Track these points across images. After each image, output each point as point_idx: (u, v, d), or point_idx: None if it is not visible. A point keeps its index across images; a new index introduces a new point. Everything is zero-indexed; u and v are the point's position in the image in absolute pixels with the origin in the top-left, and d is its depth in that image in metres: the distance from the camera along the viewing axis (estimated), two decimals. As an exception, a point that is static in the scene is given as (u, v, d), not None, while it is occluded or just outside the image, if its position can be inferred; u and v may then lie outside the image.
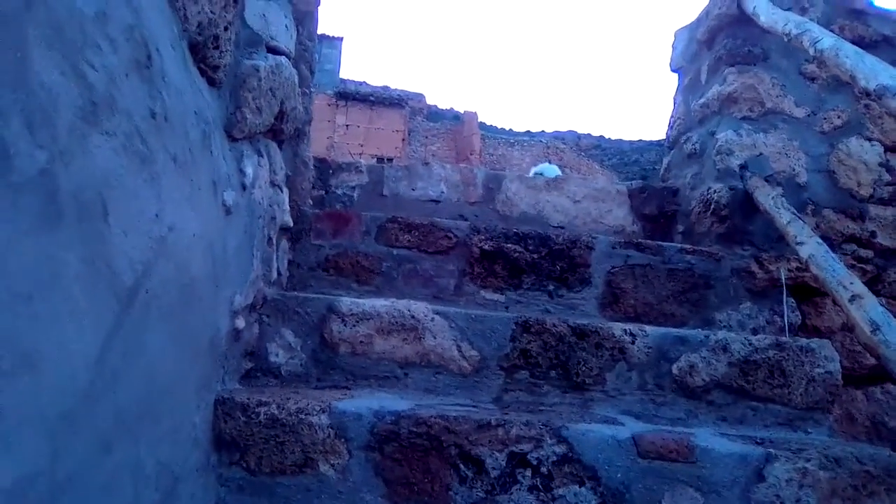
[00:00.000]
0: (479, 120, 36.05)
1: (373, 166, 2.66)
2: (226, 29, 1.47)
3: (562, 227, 2.64)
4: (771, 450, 1.54)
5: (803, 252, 1.89)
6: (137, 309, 1.06)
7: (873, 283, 2.33)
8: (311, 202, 2.41)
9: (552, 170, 4.19)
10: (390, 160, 28.98)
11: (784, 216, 2.03)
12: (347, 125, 29.39)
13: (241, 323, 1.69)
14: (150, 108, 1.09)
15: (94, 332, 0.94)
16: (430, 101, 41.62)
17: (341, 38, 29.94)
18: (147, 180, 1.09)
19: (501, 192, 2.67)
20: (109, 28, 0.96)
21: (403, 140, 30.47)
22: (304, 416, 1.54)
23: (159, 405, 1.20)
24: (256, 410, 1.55)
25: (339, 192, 2.61)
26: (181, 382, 1.34)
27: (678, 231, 2.62)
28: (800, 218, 2.03)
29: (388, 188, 2.64)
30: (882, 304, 2.26)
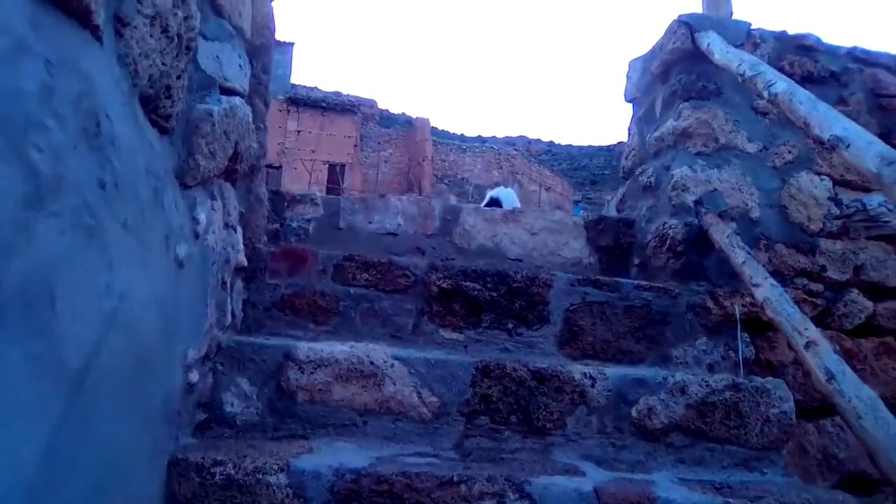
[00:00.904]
0: (431, 125, 36.07)
1: (328, 199, 2.62)
2: (178, 77, 1.42)
3: (519, 260, 2.63)
4: (730, 499, 1.55)
5: (759, 294, 1.92)
6: (87, 390, 1.02)
7: (823, 317, 2.38)
8: (266, 238, 2.36)
9: (508, 193, 4.19)
10: (342, 166, 28.85)
11: (739, 256, 2.06)
12: (299, 131, 29.12)
13: (194, 376, 1.64)
14: (99, 178, 1.04)
15: (42, 425, 0.89)
16: (382, 105, 41.52)
17: (292, 44, 29.66)
18: (97, 253, 1.04)
19: (459, 224, 2.65)
20: (56, 102, 0.91)
21: (356, 146, 30.33)
22: (261, 476, 1.50)
23: (112, 484, 1.15)
24: (212, 471, 1.50)
25: (295, 224, 2.56)
26: (134, 454, 1.29)
27: (634, 263, 2.64)
28: (754, 257, 2.05)
29: (345, 221, 2.60)
30: (832, 340, 2.32)
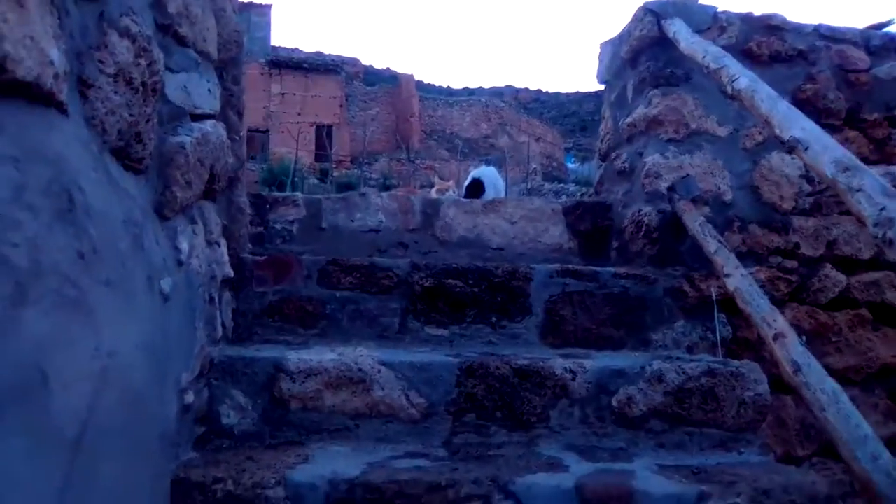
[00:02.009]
0: (416, 80, 35.76)
1: (310, 199, 2.66)
2: (147, 121, 1.46)
3: (501, 249, 2.69)
4: (704, 487, 1.64)
5: (730, 284, 1.99)
6: (85, 450, 1.08)
7: (798, 293, 2.46)
8: (251, 242, 2.41)
9: (490, 172, 4.22)
10: (329, 127, 28.65)
11: (711, 244, 2.12)
12: (283, 94, 28.84)
13: (189, 398, 1.71)
14: (77, 250, 1.09)
15: (45, 497, 0.96)
16: (365, 62, 41.06)
17: (270, 5, 29.17)
18: (82, 320, 1.10)
19: (440, 217, 2.70)
20: (28, 195, 0.96)
21: (341, 106, 30.09)
22: (260, 491, 1.58)
23: (115, 525, 1.23)
24: (213, 488, 1.58)
25: (278, 226, 2.62)
26: (136, 487, 1.36)
27: (613, 247, 2.70)
28: (725, 246, 2.12)
29: (327, 220, 2.65)
30: (807, 315, 2.40)
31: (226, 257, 2.11)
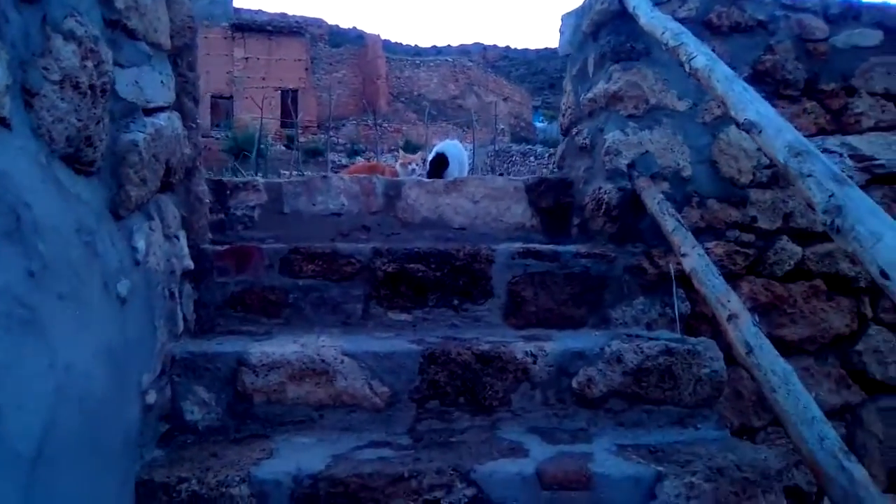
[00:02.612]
0: (383, 39, 35.27)
1: (270, 183, 2.63)
2: (98, 123, 1.44)
3: (463, 229, 2.69)
4: (661, 468, 1.68)
5: (686, 264, 2.01)
6: (44, 468, 1.09)
7: (755, 265, 2.49)
8: (212, 229, 2.39)
9: (454, 146, 4.19)
10: (294, 92, 28.22)
11: (669, 223, 2.14)
12: (247, 58, 28.31)
13: (151, 397, 1.71)
14: (26, 268, 1.08)
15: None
16: (331, 21, 40.33)
17: (230, -34, 28.44)
18: (35, 339, 1.09)
19: (402, 199, 2.69)
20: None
21: (307, 69, 29.64)
22: (224, 490, 1.59)
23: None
24: (177, 489, 1.59)
25: (239, 212, 2.59)
26: (100, 492, 1.37)
27: (575, 224, 2.71)
28: (683, 224, 2.14)
29: (289, 205, 2.63)
30: (764, 288, 2.44)
31: (185, 250, 2.09)
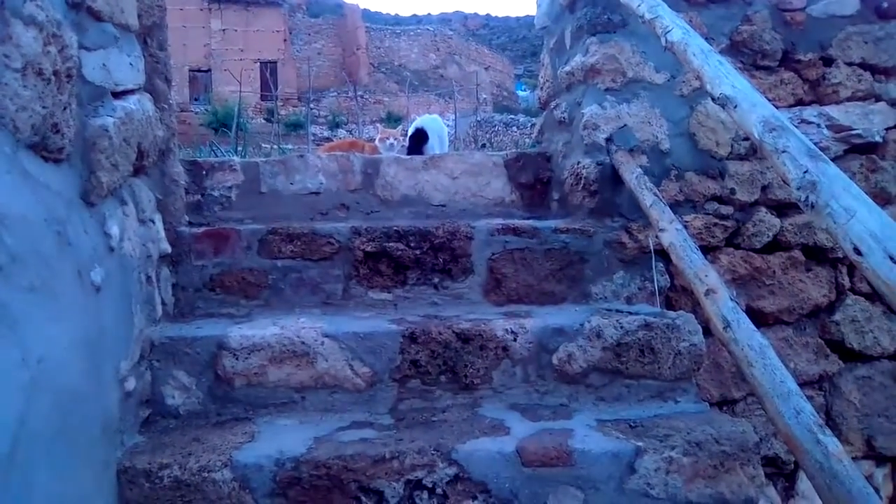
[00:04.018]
0: (362, 8, 34.84)
1: (247, 163, 2.60)
2: (64, 109, 1.41)
3: (443, 206, 2.69)
4: (640, 443, 1.70)
5: (664, 239, 2.02)
6: (20, 462, 1.08)
7: (734, 237, 2.50)
8: (189, 215, 2.37)
9: (433, 121, 4.16)
10: (273, 64, 27.88)
11: (647, 198, 2.14)
12: (224, 30, 27.89)
13: (130, 384, 1.70)
14: (-7, 263, 1.06)
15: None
16: (309, -10, 39.74)
17: (205, -65, 27.87)
18: (5, 332, 1.08)
19: (380, 176, 2.67)
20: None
21: (285, 41, 29.26)
22: (207, 475, 1.59)
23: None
24: (159, 475, 1.59)
25: (216, 193, 2.56)
26: (80, 482, 1.37)
27: (554, 198, 2.71)
28: (661, 199, 2.14)
29: (266, 184, 2.60)
30: (742, 260, 2.46)
31: (162, 233, 2.07)
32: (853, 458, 2.50)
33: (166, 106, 2.18)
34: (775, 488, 2.52)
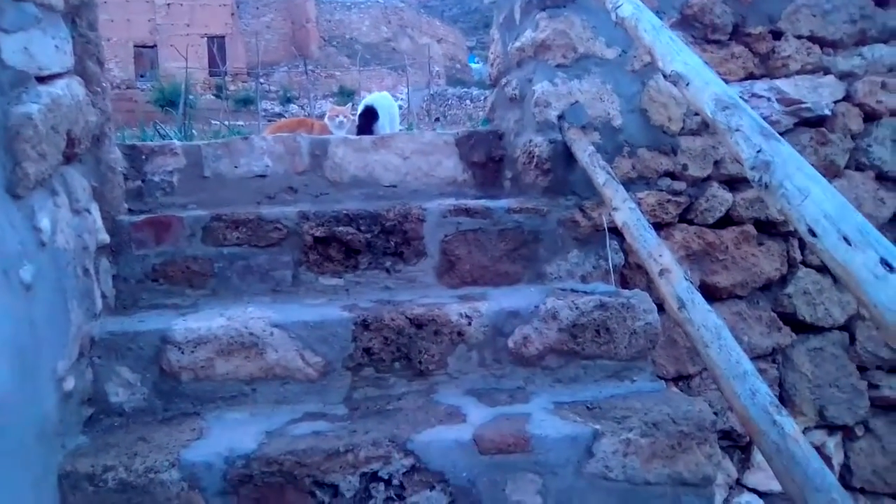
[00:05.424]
0: (312, -18, 34.17)
1: (189, 147, 2.50)
2: (-19, 100, 1.31)
3: (394, 186, 2.63)
4: (598, 426, 1.69)
5: (618, 219, 2.00)
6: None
7: (686, 213, 2.50)
8: (129, 202, 2.27)
9: (383, 98, 4.08)
10: (221, 38, 27.25)
11: (600, 176, 2.12)
12: (169, 4, 27.09)
13: (69, 384, 1.63)
14: None
15: None
16: (255, -37, 38.80)
17: None
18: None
19: (328, 157, 2.60)
20: None
21: (233, 14, 28.58)
22: (154, 476, 1.54)
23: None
24: (104, 478, 1.53)
25: (157, 178, 2.46)
26: (15, 494, 1.30)
27: (507, 177, 2.67)
28: (613, 177, 2.12)
29: (210, 168, 2.50)
30: (696, 235, 2.46)
31: (99, 223, 1.98)
32: (806, 429, 2.56)
33: (99, 89, 2.07)
34: (731, 460, 2.55)
